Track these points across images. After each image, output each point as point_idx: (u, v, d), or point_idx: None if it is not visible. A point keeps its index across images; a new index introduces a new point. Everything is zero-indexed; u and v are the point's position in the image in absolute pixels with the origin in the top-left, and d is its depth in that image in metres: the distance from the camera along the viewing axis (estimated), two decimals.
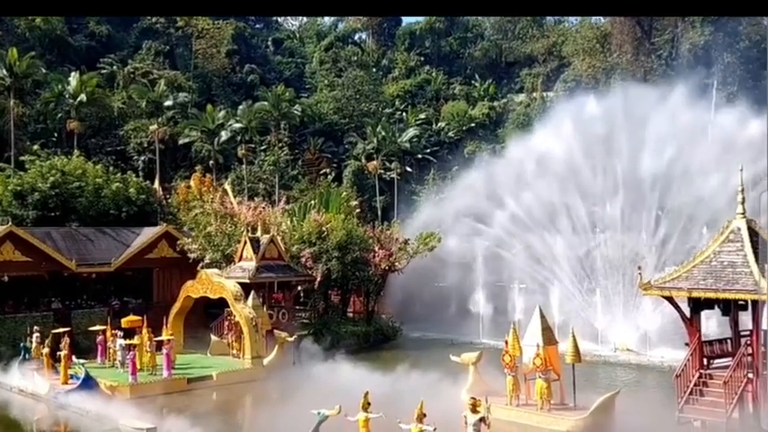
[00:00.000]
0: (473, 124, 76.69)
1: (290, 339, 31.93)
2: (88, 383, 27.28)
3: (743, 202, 21.58)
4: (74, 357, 29.19)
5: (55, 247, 39.44)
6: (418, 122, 75.95)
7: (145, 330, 30.88)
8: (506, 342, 23.62)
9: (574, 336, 23.06)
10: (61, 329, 31.47)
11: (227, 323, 34.81)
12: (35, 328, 33.17)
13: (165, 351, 29.21)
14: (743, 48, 63.44)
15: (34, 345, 32.02)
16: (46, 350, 30.69)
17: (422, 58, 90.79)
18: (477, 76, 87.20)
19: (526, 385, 23.52)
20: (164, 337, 30.46)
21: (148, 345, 30.10)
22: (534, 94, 79.35)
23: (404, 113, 79.14)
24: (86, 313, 39.17)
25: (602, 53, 71.05)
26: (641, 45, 68.88)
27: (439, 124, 77.70)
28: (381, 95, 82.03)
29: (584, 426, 21.53)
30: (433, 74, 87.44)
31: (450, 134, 76.12)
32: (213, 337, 35.44)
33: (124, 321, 32.66)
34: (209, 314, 40.11)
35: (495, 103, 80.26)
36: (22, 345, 32.66)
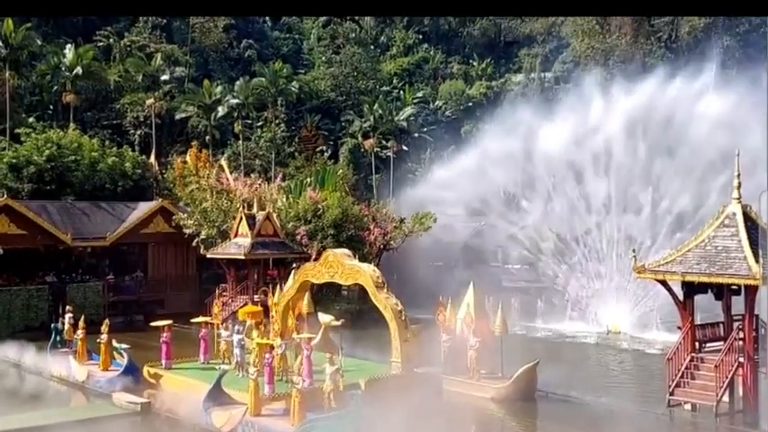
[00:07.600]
0: (470, 104, 76.56)
1: (336, 323, 25.96)
2: (131, 371, 24.60)
3: (738, 187, 21.57)
4: (114, 342, 25.85)
5: (50, 220, 39.45)
6: (415, 101, 75.73)
7: (266, 324, 25.88)
8: (441, 310, 25.54)
9: (502, 310, 24.83)
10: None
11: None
12: (68, 308, 29.90)
13: (305, 353, 22.50)
14: (743, 31, 63.25)
15: (66, 327, 28.63)
16: (81, 333, 27.00)
17: (420, 36, 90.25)
18: (475, 56, 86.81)
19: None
20: (300, 335, 24.14)
21: (281, 343, 23.49)
22: (532, 75, 79.10)
23: (401, 92, 78.84)
24: (81, 287, 39.31)
25: (601, 34, 70.70)
26: (641, 27, 68.61)
27: (436, 103, 77.50)
28: (379, 73, 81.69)
29: (506, 392, 23.05)
30: (431, 52, 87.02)
31: (448, 113, 76.00)
32: None
33: (241, 312, 26.98)
34: (202, 289, 40.39)
35: (493, 83, 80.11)
36: (53, 326, 29.56)
